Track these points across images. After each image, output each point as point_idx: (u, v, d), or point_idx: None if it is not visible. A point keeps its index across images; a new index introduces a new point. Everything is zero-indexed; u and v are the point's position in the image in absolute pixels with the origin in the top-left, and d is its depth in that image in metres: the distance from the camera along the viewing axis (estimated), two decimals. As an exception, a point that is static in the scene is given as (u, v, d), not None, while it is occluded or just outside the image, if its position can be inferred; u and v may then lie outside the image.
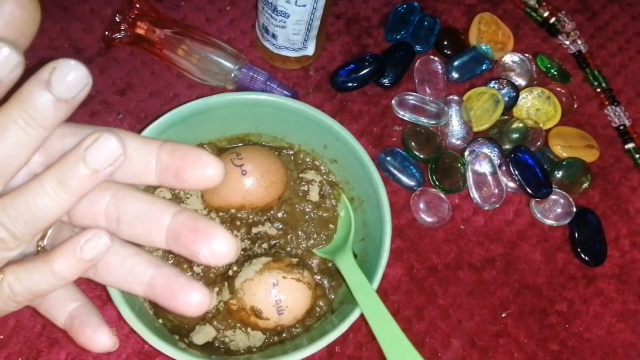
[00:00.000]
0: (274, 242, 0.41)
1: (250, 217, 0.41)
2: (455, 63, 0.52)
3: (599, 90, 0.54)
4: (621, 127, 0.53)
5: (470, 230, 0.47)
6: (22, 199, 0.24)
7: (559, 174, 0.49)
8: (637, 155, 0.52)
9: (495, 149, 0.49)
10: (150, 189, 0.41)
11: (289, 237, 0.42)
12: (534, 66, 0.53)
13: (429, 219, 0.47)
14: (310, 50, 0.48)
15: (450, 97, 0.50)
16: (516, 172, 0.47)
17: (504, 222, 0.48)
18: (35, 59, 0.47)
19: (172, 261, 0.40)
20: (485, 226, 0.48)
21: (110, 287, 0.33)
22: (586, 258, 0.47)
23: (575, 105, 0.53)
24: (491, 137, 0.50)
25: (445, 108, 0.49)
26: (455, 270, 0.46)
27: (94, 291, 0.41)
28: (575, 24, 0.56)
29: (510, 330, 0.45)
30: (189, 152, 0.24)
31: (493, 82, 0.52)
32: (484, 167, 0.48)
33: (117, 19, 0.47)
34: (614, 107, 0.54)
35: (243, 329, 0.39)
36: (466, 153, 0.49)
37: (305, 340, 0.37)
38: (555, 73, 0.54)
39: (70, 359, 0.40)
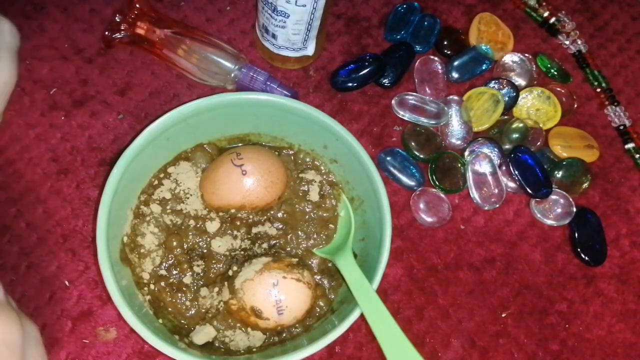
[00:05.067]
0: (274, 242, 0.41)
1: (250, 217, 0.41)
2: (455, 63, 0.52)
3: (599, 90, 0.54)
4: (621, 127, 0.53)
5: (470, 230, 0.47)
6: None
7: (559, 174, 0.49)
8: (637, 155, 0.52)
9: (495, 149, 0.49)
10: (150, 189, 0.41)
11: (289, 237, 0.42)
12: (534, 66, 0.53)
13: (429, 219, 0.47)
14: (310, 50, 0.48)
15: (450, 97, 0.50)
16: (516, 172, 0.47)
17: (504, 222, 0.48)
18: (36, 59, 0.48)
19: (172, 261, 0.40)
20: (485, 226, 0.48)
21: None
22: (586, 258, 0.47)
23: (575, 105, 0.53)
24: (491, 137, 0.50)
25: (445, 108, 0.49)
26: (455, 270, 0.46)
27: (94, 291, 0.41)
28: (575, 24, 0.56)
29: (510, 330, 0.45)
30: None
31: (493, 82, 0.52)
32: (484, 167, 0.48)
33: (117, 19, 0.47)
34: (614, 107, 0.54)
35: (243, 329, 0.39)
36: (466, 153, 0.49)
37: (305, 340, 0.37)
38: (555, 73, 0.54)
39: (70, 359, 0.40)
